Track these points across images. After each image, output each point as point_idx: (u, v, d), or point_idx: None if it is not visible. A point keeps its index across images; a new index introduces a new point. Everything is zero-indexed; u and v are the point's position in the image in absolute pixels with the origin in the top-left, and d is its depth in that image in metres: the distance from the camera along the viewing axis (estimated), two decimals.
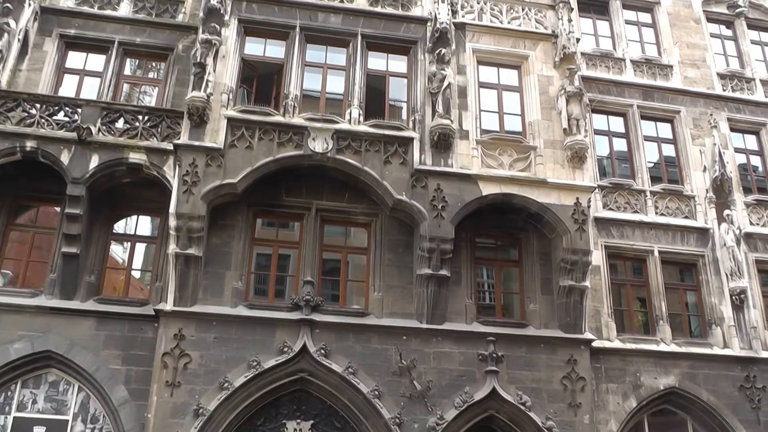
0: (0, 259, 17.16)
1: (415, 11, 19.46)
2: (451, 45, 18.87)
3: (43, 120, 17.18)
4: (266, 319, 16.50)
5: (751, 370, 18.79)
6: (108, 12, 19.68)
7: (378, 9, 19.25)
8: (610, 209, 19.89)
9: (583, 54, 21.41)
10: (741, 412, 18.33)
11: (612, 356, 18.16)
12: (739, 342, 19.08)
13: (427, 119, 18.01)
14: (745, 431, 18.16)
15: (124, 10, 19.77)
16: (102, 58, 19.35)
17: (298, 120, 17.51)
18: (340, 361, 16.31)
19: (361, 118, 17.88)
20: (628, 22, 23.25)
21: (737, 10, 24.35)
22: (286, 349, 16.14)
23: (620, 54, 22.40)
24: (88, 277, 16.88)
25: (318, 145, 17.20)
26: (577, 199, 17.93)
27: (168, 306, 16.18)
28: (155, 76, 19.80)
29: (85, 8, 19.59)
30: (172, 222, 16.34)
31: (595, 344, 17.82)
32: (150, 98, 19.46)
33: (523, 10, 20.15)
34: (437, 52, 18.44)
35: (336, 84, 18.62)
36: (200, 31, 17.98)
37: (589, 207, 18.11)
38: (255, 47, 18.77)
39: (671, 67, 22.49)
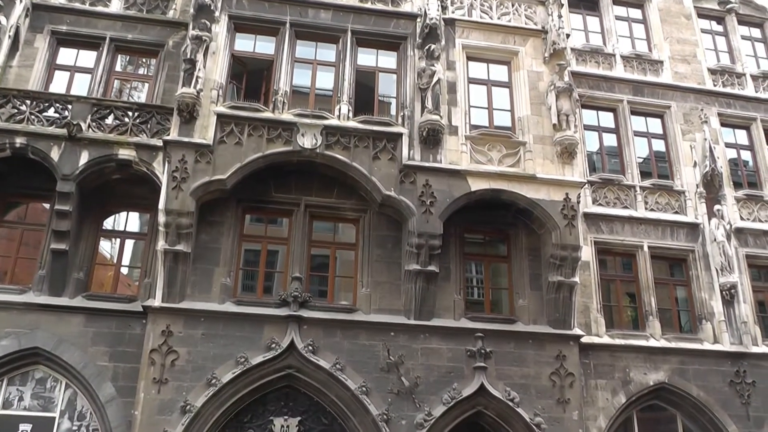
0: None
1: (405, 7, 19.45)
2: (441, 41, 18.85)
3: (33, 116, 17.21)
4: (254, 316, 16.49)
5: (741, 365, 18.83)
6: (99, 8, 19.69)
7: (368, 5, 19.25)
8: (600, 205, 19.92)
9: (573, 49, 21.43)
10: (731, 408, 18.37)
11: (601, 352, 18.18)
12: (729, 337, 19.13)
13: (417, 115, 18.01)
14: (735, 426, 18.16)
15: (116, 6, 19.78)
16: (93, 54, 19.36)
17: (287, 116, 17.51)
18: (328, 357, 16.31)
19: (351, 114, 17.89)
20: (618, 18, 23.28)
21: (728, 6, 24.42)
22: (273, 345, 16.14)
23: (610, 49, 22.43)
24: (76, 274, 16.87)
25: (307, 141, 17.19)
26: (567, 194, 17.93)
27: (156, 302, 16.17)
28: (146, 73, 19.79)
29: (77, 4, 19.61)
30: (161, 218, 16.33)
31: (584, 340, 17.82)
32: (140, 94, 19.43)
33: (512, 5, 20.11)
34: (427, 47, 18.43)
35: (325, 80, 18.64)
36: (190, 27, 17.97)
37: (578, 202, 18.10)
38: (245, 43, 18.76)
39: (661, 62, 22.53)
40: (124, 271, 18.08)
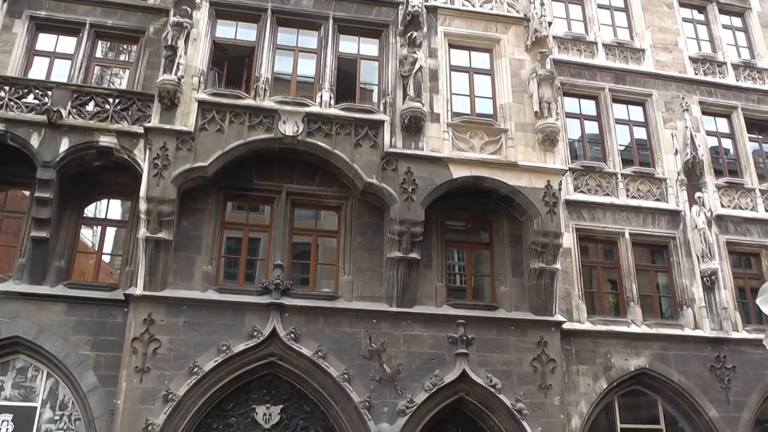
0: None
1: None
2: (423, 28, 18.81)
3: (12, 103, 17.04)
4: (236, 303, 16.47)
5: (722, 350, 18.98)
6: None
7: None
8: (582, 192, 19.98)
9: (555, 37, 21.46)
10: (711, 392, 18.51)
11: (583, 338, 18.28)
12: (709, 323, 19.28)
13: (398, 102, 17.99)
14: (715, 411, 18.31)
15: None
16: (73, 40, 19.19)
17: (268, 103, 17.46)
18: (310, 344, 16.31)
19: (332, 101, 17.84)
20: (600, 6, 23.33)
21: None
22: (255, 333, 16.13)
23: (592, 38, 22.48)
24: (57, 262, 16.75)
25: (288, 129, 17.14)
26: (548, 181, 17.97)
27: (138, 290, 16.12)
28: (126, 59, 19.66)
29: None
30: (143, 206, 16.26)
31: (565, 326, 17.92)
32: (121, 81, 19.31)
33: None
34: (409, 35, 18.40)
35: (307, 67, 18.59)
36: (171, 13, 17.90)
37: (560, 190, 18.17)
38: (226, 30, 18.66)
39: (643, 50, 22.63)
40: (106, 259, 17.98)
